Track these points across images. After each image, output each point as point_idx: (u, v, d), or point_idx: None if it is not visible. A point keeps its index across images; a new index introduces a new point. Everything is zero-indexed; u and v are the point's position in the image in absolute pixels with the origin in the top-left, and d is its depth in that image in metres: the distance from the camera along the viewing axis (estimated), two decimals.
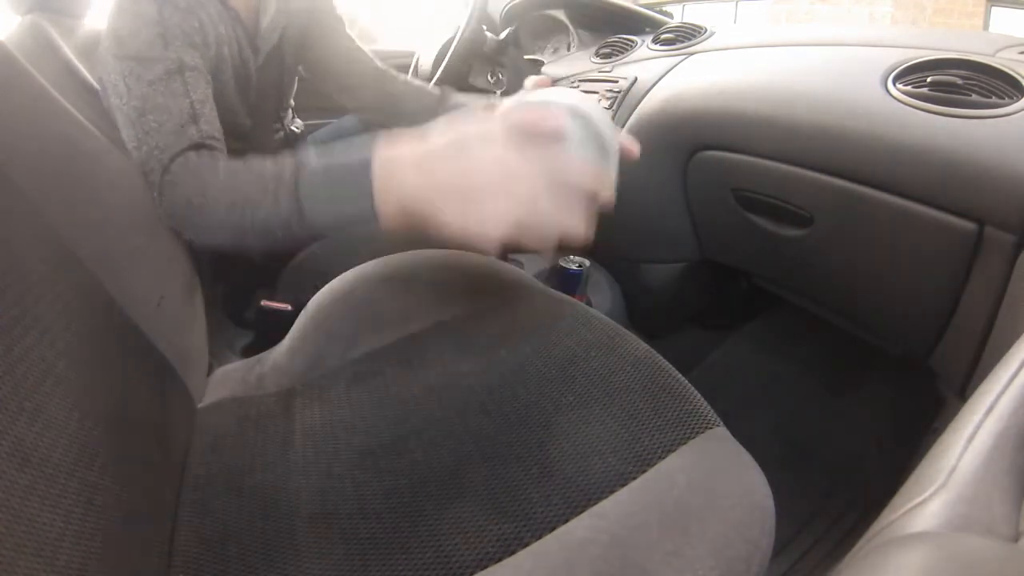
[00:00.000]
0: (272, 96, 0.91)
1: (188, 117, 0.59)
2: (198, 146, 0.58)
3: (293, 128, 1.02)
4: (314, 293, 0.68)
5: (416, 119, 0.81)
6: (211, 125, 0.61)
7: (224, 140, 0.63)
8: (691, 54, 0.89)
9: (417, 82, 0.87)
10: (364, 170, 0.43)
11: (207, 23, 0.69)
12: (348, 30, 0.92)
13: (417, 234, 0.41)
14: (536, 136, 0.38)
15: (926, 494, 0.20)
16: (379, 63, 0.91)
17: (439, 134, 0.40)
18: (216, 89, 0.69)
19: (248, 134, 0.87)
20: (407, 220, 0.42)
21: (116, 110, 0.62)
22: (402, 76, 0.90)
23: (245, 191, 0.51)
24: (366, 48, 0.92)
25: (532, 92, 0.49)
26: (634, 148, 0.49)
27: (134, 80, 0.59)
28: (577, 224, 0.39)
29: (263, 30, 0.81)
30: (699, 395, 0.49)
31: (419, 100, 0.83)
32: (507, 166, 0.38)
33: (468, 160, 0.38)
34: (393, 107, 0.86)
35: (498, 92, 1.13)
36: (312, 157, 0.49)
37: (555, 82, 1.13)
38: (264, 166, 0.52)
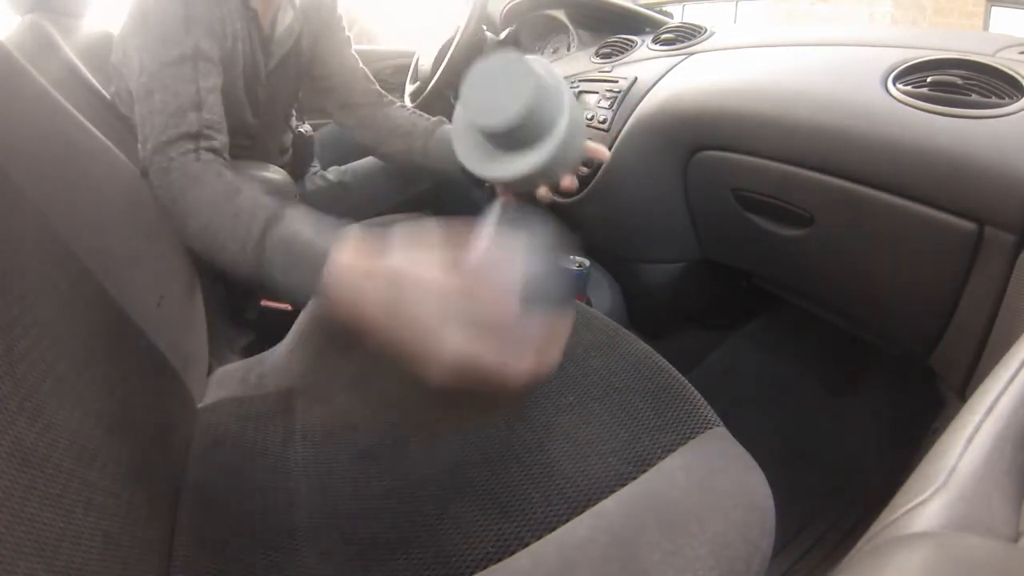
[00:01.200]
0: (282, 101, 0.92)
1: (191, 103, 0.60)
2: (196, 135, 0.59)
3: (302, 131, 1.03)
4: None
5: (409, 143, 0.84)
6: (213, 114, 0.62)
7: (230, 136, 0.64)
8: (691, 54, 0.89)
9: (410, 109, 0.89)
10: (319, 260, 0.42)
11: (227, 17, 0.70)
12: (352, 50, 0.94)
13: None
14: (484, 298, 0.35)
15: (926, 494, 0.20)
16: (379, 87, 0.93)
17: (396, 251, 0.39)
18: (226, 83, 0.69)
19: (255, 133, 0.88)
20: (344, 315, 0.40)
21: (131, 84, 0.63)
22: (399, 102, 0.92)
23: (220, 225, 0.52)
24: (366, 66, 0.94)
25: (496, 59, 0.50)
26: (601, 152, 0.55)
27: (149, 58, 0.61)
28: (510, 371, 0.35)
29: (278, 36, 0.82)
30: (699, 395, 0.49)
31: (413, 125, 0.85)
32: (430, 321, 0.36)
33: (400, 302, 0.37)
34: (389, 129, 0.88)
35: None
36: (288, 216, 0.49)
37: None
38: (246, 203, 0.51)
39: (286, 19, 0.82)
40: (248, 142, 0.87)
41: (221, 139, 0.62)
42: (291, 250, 0.47)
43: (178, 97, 0.60)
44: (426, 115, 0.86)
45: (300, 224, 0.49)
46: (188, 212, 0.55)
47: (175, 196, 0.56)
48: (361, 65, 0.93)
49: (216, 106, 0.63)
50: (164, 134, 0.58)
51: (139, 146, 0.59)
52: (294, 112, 1.02)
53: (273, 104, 0.89)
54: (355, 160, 1.13)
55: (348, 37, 0.93)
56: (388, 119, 0.88)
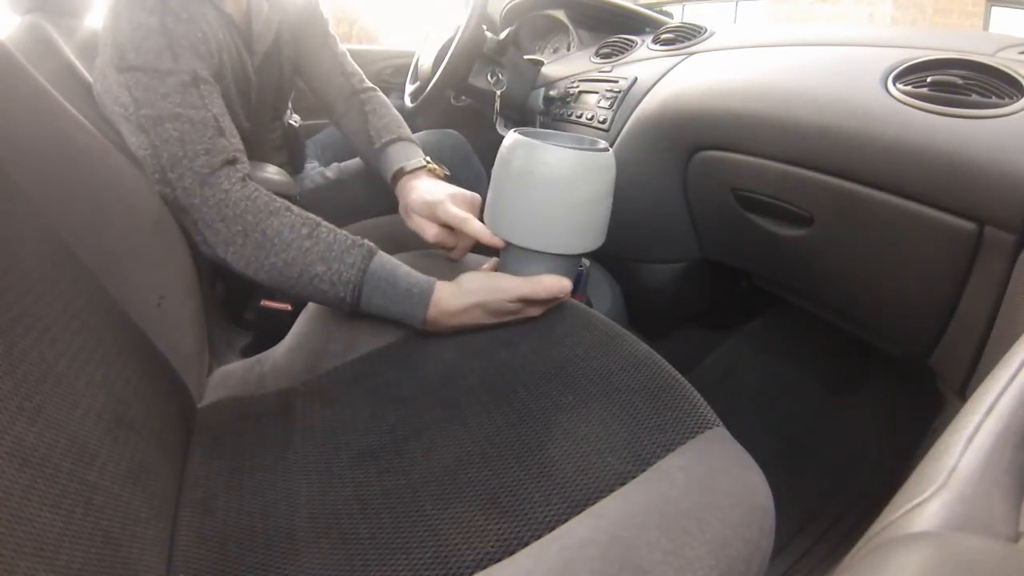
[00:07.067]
0: (271, 96, 0.92)
1: (214, 130, 0.58)
2: (233, 162, 0.58)
3: (291, 123, 1.02)
4: None
5: (359, 150, 0.92)
6: (236, 138, 0.61)
7: None
8: (691, 54, 0.89)
9: (374, 124, 0.88)
10: (425, 294, 0.55)
11: (208, 32, 0.67)
12: (335, 46, 0.93)
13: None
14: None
15: (926, 494, 0.20)
16: (358, 83, 0.92)
17: (467, 293, 0.56)
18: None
19: (247, 136, 0.88)
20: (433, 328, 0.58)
21: (120, 119, 0.60)
22: (372, 105, 0.90)
23: (313, 256, 0.55)
24: (351, 64, 0.94)
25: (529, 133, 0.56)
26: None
27: (142, 91, 0.58)
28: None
29: (257, 31, 0.81)
30: (699, 395, 0.49)
31: (368, 140, 0.87)
32: (483, 321, 0.57)
33: (469, 319, 0.57)
34: (351, 135, 0.92)
35: (498, 92, 1.13)
36: (378, 250, 0.57)
37: (555, 82, 1.13)
38: (334, 235, 0.56)
39: (262, 13, 0.81)
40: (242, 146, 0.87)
41: (246, 163, 0.61)
42: (396, 284, 0.56)
43: (195, 125, 0.57)
44: (375, 132, 0.86)
45: (390, 258, 0.57)
46: (268, 244, 0.55)
47: (247, 228, 0.55)
48: (342, 65, 0.92)
49: (233, 131, 0.61)
50: (198, 162, 0.56)
51: (158, 175, 0.57)
52: (290, 109, 1.02)
53: (262, 102, 0.89)
54: (354, 158, 1.13)
55: (329, 41, 0.92)
56: (348, 127, 0.91)
